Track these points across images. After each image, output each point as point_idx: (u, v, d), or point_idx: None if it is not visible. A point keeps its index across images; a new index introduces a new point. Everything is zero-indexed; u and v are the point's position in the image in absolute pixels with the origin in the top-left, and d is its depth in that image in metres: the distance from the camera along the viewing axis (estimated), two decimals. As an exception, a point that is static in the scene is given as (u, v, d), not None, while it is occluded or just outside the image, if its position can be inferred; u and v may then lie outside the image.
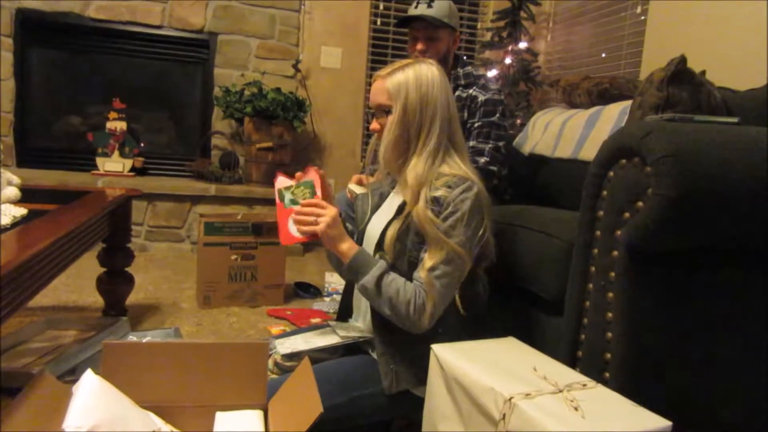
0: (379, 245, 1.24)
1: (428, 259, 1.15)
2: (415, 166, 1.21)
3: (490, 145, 1.93)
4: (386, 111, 1.24)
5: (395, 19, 3.71)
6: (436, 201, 1.17)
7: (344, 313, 1.42)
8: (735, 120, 1.24)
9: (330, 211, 1.18)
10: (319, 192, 1.23)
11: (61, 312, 2.06)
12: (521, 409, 0.82)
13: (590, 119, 1.93)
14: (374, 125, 1.29)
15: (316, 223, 1.16)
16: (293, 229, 1.19)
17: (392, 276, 1.16)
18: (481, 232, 1.20)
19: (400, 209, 1.23)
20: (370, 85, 3.75)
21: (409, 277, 1.18)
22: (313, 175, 1.24)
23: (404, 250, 1.19)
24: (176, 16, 3.38)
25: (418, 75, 1.23)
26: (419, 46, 1.95)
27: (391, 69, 1.26)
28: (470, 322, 1.23)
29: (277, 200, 1.24)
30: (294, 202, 1.22)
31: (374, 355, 1.28)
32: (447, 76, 1.99)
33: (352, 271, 1.18)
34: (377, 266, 1.15)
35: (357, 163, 3.67)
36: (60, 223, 1.33)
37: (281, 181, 1.26)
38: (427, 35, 1.94)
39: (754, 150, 1.06)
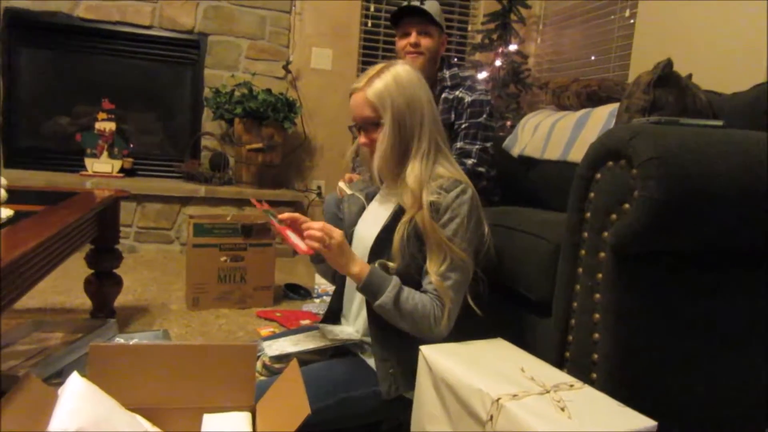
0: (375, 250, 1.22)
1: (435, 267, 1.16)
2: (413, 169, 1.20)
3: (477, 146, 1.93)
4: (374, 124, 1.22)
5: (386, 21, 3.71)
6: (431, 205, 1.17)
7: (332, 315, 1.41)
8: (720, 123, 1.25)
9: (337, 235, 1.14)
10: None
11: (49, 314, 2.04)
12: (508, 410, 0.83)
13: (579, 121, 1.94)
14: (362, 140, 1.26)
15: (328, 245, 1.12)
16: (298, 241, 1.18)
17: (407, 292, 1.15)
18: (480, 233, 1.22)
19: (396, 215, 1.21)
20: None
21: (418, 283, 1.19)
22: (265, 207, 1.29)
23: (411, 256, 1.18)
24: (166, 17, 3.37)
25: (396, 77, 1.20)
26: (412, 39, 1.94)
27: (366, 79, 1.22)
28: (471, 323, 1.23)
29: (271, 220, 1.25)
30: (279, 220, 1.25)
31: (364, 357, 1.28)
32: (434, 80, 2.01)
33: (366, 292, 1.16)
34: (392, 285, 1.14)
35: (348, 164, 3.66)
36: (47, 223, 1.32)
37: (259, 207, 1.31)
38: (420, 29, 1.94)
39: (739, 152, 1.08)
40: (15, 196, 1.52)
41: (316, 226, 1.14)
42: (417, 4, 1.94)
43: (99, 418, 0.90)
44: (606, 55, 3.06)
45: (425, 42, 1.94)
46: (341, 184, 1.74)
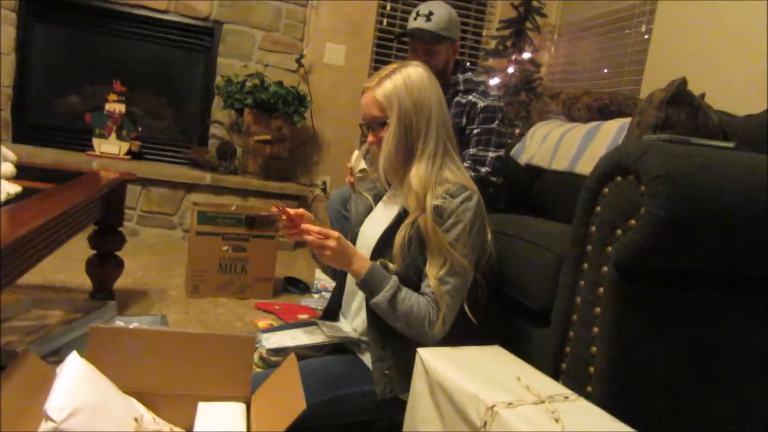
0: (378, 252, 1.23)
1: (434, 271, 1.16)
2: (418, 171, 1.20)
3: (491, 155, 1.93)
4: (381, 123, 1.23)
5: (401, 21, 3.71)
6: (435, 210, 1.17)
7: (331, 312, 1.42)
8: (731, 144, 1.25)
9: (332, 236, 1.14)
10: None
11: (49, 292, 2.05)
12: (502, 418, 0.83)
13: (588, 134, 1.94)
14: (371, 138, 1.28)
15: (322, 250, 1.14)
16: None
17: (404, 292, 1.16)
18: (482, 240, 1.22)
19: (401, 216, 1.22)
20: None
21: (417, 286, 1.19)
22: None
23: (412, 259, 1.19)
24: (182, 2, 3.37)
25: (407, 79, 1.21)
26: (419, 58, 1.96)
27: (378, 78, 1.23)
28: (468, 328, 1.23)
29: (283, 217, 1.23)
30: None
31: (361, 356, 1.28)
32: (446, 83, 2.01)
33: (364, 289, 1.17)
34: (389, 285, 1.14)
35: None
36: (54, 203, 1.33)
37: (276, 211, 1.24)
38: (425, 49, 1.95)
39: (748, 175, 1.08)
40: (22, 172, 1.53)
41: (314, 231, 1.14)
42: (422, 22, 1.93)
43: (95, 401, 0.90)
44: (619, 69, 3.06)
45: (432, 61, 1.95)
46: (354, 157, 1.59)
